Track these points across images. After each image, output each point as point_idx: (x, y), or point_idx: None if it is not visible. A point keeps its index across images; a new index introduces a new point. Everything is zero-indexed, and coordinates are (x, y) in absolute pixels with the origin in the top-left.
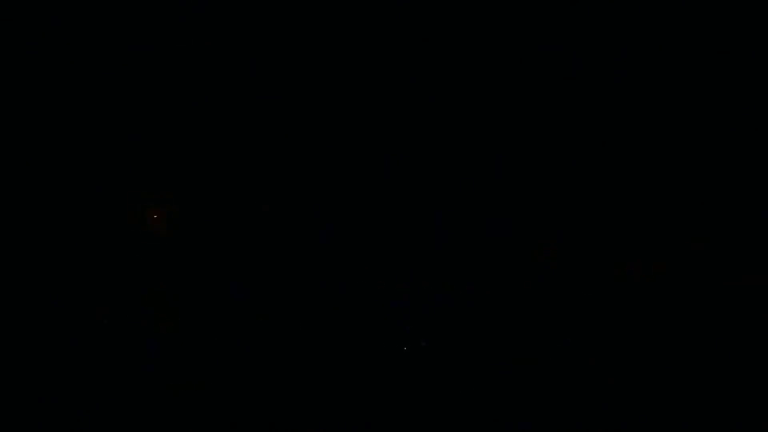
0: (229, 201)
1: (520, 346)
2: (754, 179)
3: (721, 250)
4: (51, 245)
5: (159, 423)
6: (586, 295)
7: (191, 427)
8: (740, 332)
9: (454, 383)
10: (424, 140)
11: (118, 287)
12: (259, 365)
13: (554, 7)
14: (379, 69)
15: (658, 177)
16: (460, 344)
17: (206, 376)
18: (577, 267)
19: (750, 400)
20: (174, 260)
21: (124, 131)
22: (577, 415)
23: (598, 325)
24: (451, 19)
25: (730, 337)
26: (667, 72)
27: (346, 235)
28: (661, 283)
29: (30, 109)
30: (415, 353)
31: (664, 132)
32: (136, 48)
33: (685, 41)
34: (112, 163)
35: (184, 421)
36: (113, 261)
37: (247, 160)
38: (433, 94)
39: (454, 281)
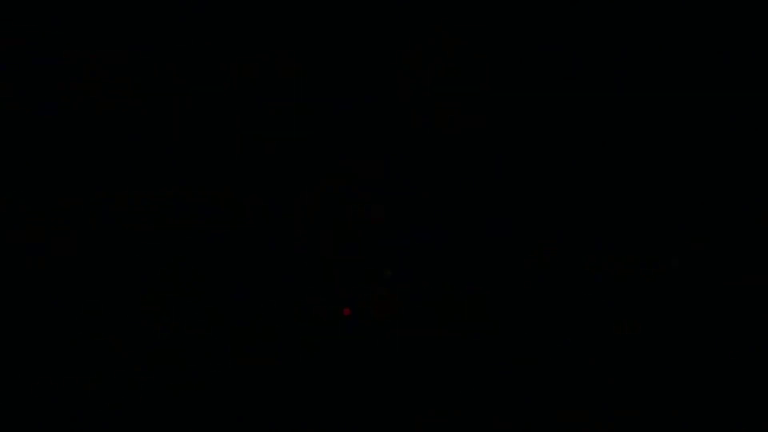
0: (228, 201)
1: (519, 346)
2: (754, 179)
3: (721, 250)
4: (50, 245)
5: (159, 423)
6: (586, 295)
7: (191, 427)
8: (740, 332)
9: (454, 383)
10: (423, 140)
11: (117, 287)
12: (258, 364)
13: (554, 7)
14: (378, 67)
15: (658, 177)
16: (459, 344)
17: (206, 376)
18: (577, 267)
19: (750, 400)
20: (173, 260)
21: (122, 130)
22: (577, 415)
23: (598, 325)
24: (450, 18)
25: (730, 337)
26: (667, 72)
27: (346, 234)
28: (661, 283)
29: (27, 109)
30: (413, 354)
31: (664, 132)
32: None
33: (685, 41)
34: (109, 161)
35: (184, 421)
36: (112, 260)
37: (245, 160)
38: (433, 94)
39: (453, 281)
